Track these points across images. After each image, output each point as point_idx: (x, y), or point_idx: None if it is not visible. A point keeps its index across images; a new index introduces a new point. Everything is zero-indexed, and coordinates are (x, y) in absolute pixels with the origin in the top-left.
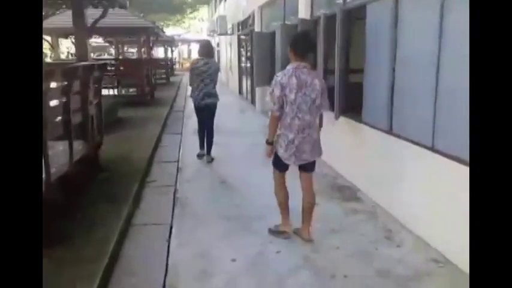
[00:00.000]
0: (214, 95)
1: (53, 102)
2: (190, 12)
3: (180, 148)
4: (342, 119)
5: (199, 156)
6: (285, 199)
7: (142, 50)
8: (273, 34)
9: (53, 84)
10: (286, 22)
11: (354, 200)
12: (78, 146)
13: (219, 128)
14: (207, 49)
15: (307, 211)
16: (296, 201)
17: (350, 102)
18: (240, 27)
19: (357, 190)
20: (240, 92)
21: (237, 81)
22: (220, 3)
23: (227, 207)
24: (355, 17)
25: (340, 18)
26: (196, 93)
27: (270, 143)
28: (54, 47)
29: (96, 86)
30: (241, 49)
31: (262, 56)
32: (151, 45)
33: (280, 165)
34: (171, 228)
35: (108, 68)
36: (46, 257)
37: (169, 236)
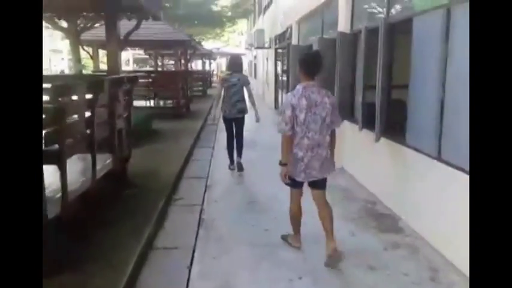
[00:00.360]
0: (243, 108)
1: (76, 116)
2: (229, 26)
3: (210, 163)
4: (383, 140)
5: (231, 169)
6: (298, 216)
7: (180, 62)
8: (309, 48)
9: (77, 97)
10: (324, 36)
11: (395, 231)
12: (105, 160)
13: (253, 142)
14: (234, 63)
15: (327, 225)
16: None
17: (391, 121)
18: (278, 41)
19: (398, 219)
20: (276, 106)
21: (273, 95)
22: (259, 17)
23: (255, 231)
24: (397, 31)
25: (383, 32)
26: (226, 106)
27: (283, 164)
28: (95, 58)
29: (126, 98)
30: (278, 62)
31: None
32: (188, 57)
33: (293, 184)
34: (193, 252)
35: (144, 80)
36: (48, 286)
37: (191, 263)
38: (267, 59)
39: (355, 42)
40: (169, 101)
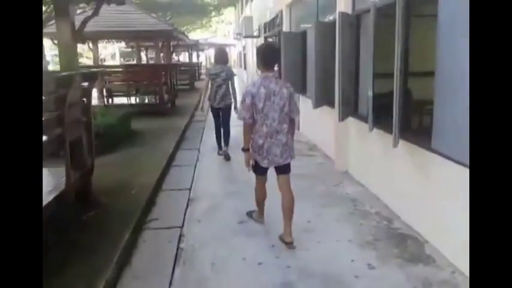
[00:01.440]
0: (229, 98)
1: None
2: (215, 15)
3: (195, 170)
4: (400, 142)
5: (220, 154)
6: (263, 199)
7: (162, 54)
8: (303, 34)
9: None
10: (320, 20)
11: (423, 261)
12: (58, 178)
13: (238, 140)
14: (220, 56)
15: (287, 212)
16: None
17: (410, 118)
18: (267, 29)
19: (424, 242)
20: None
21: None
22: (246, 4)
23: (245, 267)
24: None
25: (401, 8)
26: (213, 96)
27: (245, 149)
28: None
29: (84, 100)
30: None
31: (291, 59)
32: (171, 49)
33: (258, 170)
34: None
35: (119, 75)
36: None
37: None
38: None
39: (358, 24)
40: (152, 97)
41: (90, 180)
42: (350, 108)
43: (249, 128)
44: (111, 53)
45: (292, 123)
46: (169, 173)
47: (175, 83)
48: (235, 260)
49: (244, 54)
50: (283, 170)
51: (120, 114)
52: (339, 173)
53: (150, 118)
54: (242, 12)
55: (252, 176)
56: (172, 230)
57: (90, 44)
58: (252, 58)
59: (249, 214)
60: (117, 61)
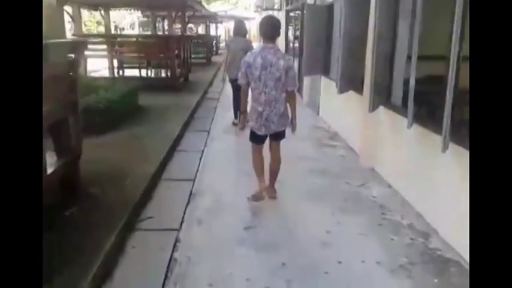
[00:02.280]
0: None
1: None
2: None
3: (201, 156)
4: (451, 146)
5: (234, 124)
6: (261, 166)
7: (176, 26)
8: (329, 8)
9: None
10: None
11: None
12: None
13: None
14: (239, 28)
15: (273, 174)
16: None
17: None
18: (290, 1)
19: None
20: None
21: None
22: None
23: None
24: None
25: None
26: (231, 68)
27: (243, 111)
28: (76, 19)
29: (71, 75)
30: (289, 27)
31: (314, 36)
32: (186, 20)
33: (255, 139)
34: None
35: (130, 46)
36: None
37: None
38: None
39: None
40: (164, 71)
41: (77, 168)
42: (383, 97)
43: (246, 92)
44: (130, 22)
45: (292, 97)
46: (173, 159)
47: (189, 56)
48: (238, 281)
49: None
50: (277, 136)
51: (126, 89)
52: (364, 169)
53: (160, 93)
54: None
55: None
56: (168, 234)
57: (102, 12)
58: None
59: (252, 198)
60: (136, 31)
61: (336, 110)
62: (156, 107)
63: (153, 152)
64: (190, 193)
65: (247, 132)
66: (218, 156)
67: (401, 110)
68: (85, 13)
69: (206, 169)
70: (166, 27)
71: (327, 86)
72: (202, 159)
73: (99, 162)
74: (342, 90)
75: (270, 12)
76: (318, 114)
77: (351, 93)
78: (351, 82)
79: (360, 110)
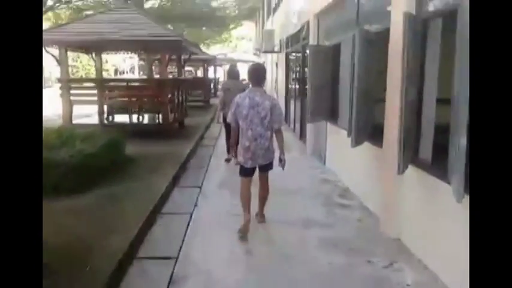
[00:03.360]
0: None
1: None
2: (233, 27)
3: (189, 222)
4: None
5: (226, 160)
6: (247, 199)
7: (171, 69)
8: (335, 48)
9: None
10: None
11: None
12: None
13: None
14: (232, 73)
15: (262, 201)
16: None
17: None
18: (290, 44)
19: None
20: (286, 120)
21: (283, 106)
22: (268, 18)
23: None
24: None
25: None
26: (226, 109)
27: (233, 145)
28: (62, 63)
29: None
30: (290, 69)
31: (319, 79)
32: (182, 63)
33: (243, 172)
34: None
35: (120, 90)
36: None
37: None
38: (276, 64)
39: (424, 31)
40: (156, 116)
41: None
42: (412, 153)
43: (235, 131)
44: (130, 65)
45: (278, 133)
46: (154, 227)
47: (184, 100)
48: None
49: None
50: (265, 169)
51: (109, 139)
52: (387, 240)
53: (152, 141)
54: (263, 27)
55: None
56: None
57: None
58: (271, 75)
59: (239, 230)
60: (136, 75)
61: (347, 161)
62: (144, 157)
63: (129, 219)
64: (170, 280)
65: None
66: (209, 220)
67: (435, 170)
68: (84, 57)
69: (194, 241)
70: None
71: (335, 133)
72: (190, 225)
73: (61, 235)
74: (357, 142)
75: (269, 55)
76: (324, 163)
77: (366, 144)
78: (367, 132)
79: (379, 165)
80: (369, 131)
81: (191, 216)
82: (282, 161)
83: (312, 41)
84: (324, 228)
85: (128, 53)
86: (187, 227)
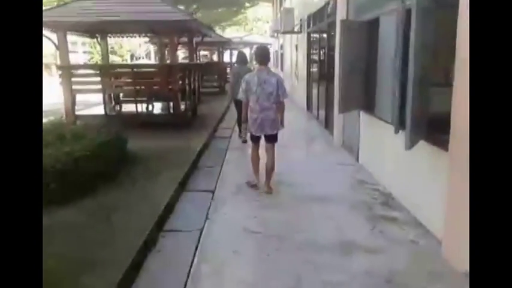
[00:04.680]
0: None
1: None
2: (249, 7)
3: (198, 244)
4: None
5: (240, 136)
6: (257, 161)
7: (180, 52)
8: (372, 24)
9: None
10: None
11: None
12: None
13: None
14: (240, 58)
15: (269, 171)
16: None
17: None
18: (312, 23)
19: None
20: (309, 107)
21: (305, 93)
22: None
23: None
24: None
25: None
26: (236, 91)
27: (244, 121)
28: (61, 48)
29: None
30: (312, 51)
31: (351, 61)
32: (195, 46)
33: (253, 139)
34: None
35: (126, 77)
36: None
37: None
38: (296, 46)
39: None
40: (166, 105)
41: None
42: None
43: (246, 105)
44: (146, 51)
45: (282, 104)
46: (152, 253)
47: (197, 86)
48: None
49: (282, 54)
50: (271, 139)
51: (105, 137)
52: (455, 274)
53: (161, 133)
54: (280, 7)
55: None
56: None
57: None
58: (290, 58)
59: (248, 183)
60: (152, 60)
61: (390, 160)
62: (150, 154)
63: (122, 244)
64: None
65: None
66: (223, 241)
67: None
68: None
69: (202, 273)
70: (183, 55)
71: (371, 125)
72: (199, 249)
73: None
74: (413, 141)
75: (287, 37)
76: (357, 160)
77: (420, 143)
78: (424, 128)
79: (439, 168)
80: (428, 127)
81: (201, 234)
82: (282, 124)
83: (341, 17)
84: (370, 254)
85: (137, 36)
86: (194, 252)
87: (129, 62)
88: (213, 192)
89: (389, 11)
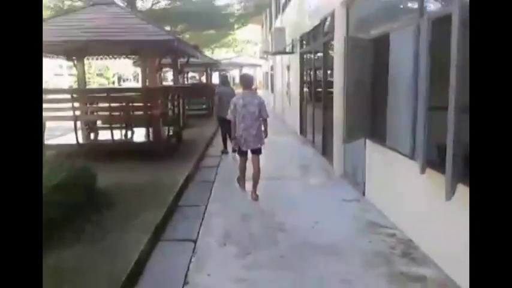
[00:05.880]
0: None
1: None
2: (238, 28)
3: None
4: None
5: (223, 152)
6: (244, 170)
7: (161, 74)
8: (380, 41)
9: None
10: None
11: None
12: None
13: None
14: (222, 79)
15: (255, 180)
16: None
17: None
18: (305, 42)
19: None
20: (302, 131)
21: (298, 115)
22: (277, 17)
23: None
24: None
25: None
26: (219, 108)
27: (234, 138)
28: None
29: None
30: (306, 72)
31: (358, 81)
32: (179, 67)
33: (240, 153)
34: None
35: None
36: None
37: None
38: (287, 67)
39: None
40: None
41: None
42: None
43: (234, 124)
44: (134, 72)
45: (265, 122)
46: None
47: (182, 110)
48: None
49: (272, 75)
50: (255, 151)
51: (65, 175)
52: None
53: (139, 163)
54: (270, 28)
55: None
56: None
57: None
58: (281, 79)
59: (238, 180)
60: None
61: (408, 196)
62: (123, 191)
63: None
64: None
65: None
66: None
67: None
68: (94, 65)
69: None
70: (169, 76)
71: (381, 155)
72: None
73: None
74: (454, 188)
75: (278, 58)
76: (363, 194)
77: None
78: (464, 169)
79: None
80: (465, 165)
81: None
82: (265, 135)
83: (339, 34)
84: None
85: (117, 58)
86: None
87: (115, 84)
88: (194, 241)
89: (405, 25)
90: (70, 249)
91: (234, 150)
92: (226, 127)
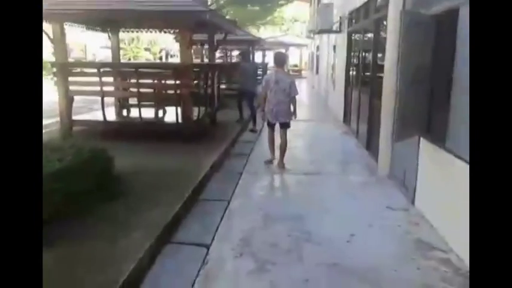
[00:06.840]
0: (252, 86)
1: None
2: (284, 3)
3: None
4: None
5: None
6: (272, 142)
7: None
8: (446, 18)
9: None
10: None
11: None
12: None
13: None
14: (243, 55)
15: (282, 151)
16: None
17: None
18: (353, 20)
19: None
20: (346, 119)
21: (342, 101)
22: None
23: None
24: None
25: None
26: (243, 81)
27: (262, 110)
28: (56, 42)
29: None
30: (353, 53)
31: (416, 67)
32: (215, 44)
33: (269, 125)
34: None
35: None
36: None
37: None
38: (334, 47)
39: None
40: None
41: None
42: None
43: (263, 99)
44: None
45: (293, 99)
46: None
47: (217, 90)
48: None
49: (317, 56)
50: (283, 125)
51: (78, 159)
52: None
53: (166, 145)
54: (318, 5)
55: None
56: None
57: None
58: (327, 61)
59: (266, 162)
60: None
61: (467, 214)
62: (141, 178)
63: None
64: None
65: None
66: None
67: None
68: (141, 38)
69: None
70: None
71: (438, 159)
72: None
73: None
74: None
75: (325, 37)
76: (412, 202)
77: None
78: None
79: None
80: None
81: None
82: (294, 114)
83: (394, 10)
84: None
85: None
86: None
87: (163, 60)
88: (208, 247)
89: None
90: (60, 252)
91: (251, 130)
92: (246, 99)
